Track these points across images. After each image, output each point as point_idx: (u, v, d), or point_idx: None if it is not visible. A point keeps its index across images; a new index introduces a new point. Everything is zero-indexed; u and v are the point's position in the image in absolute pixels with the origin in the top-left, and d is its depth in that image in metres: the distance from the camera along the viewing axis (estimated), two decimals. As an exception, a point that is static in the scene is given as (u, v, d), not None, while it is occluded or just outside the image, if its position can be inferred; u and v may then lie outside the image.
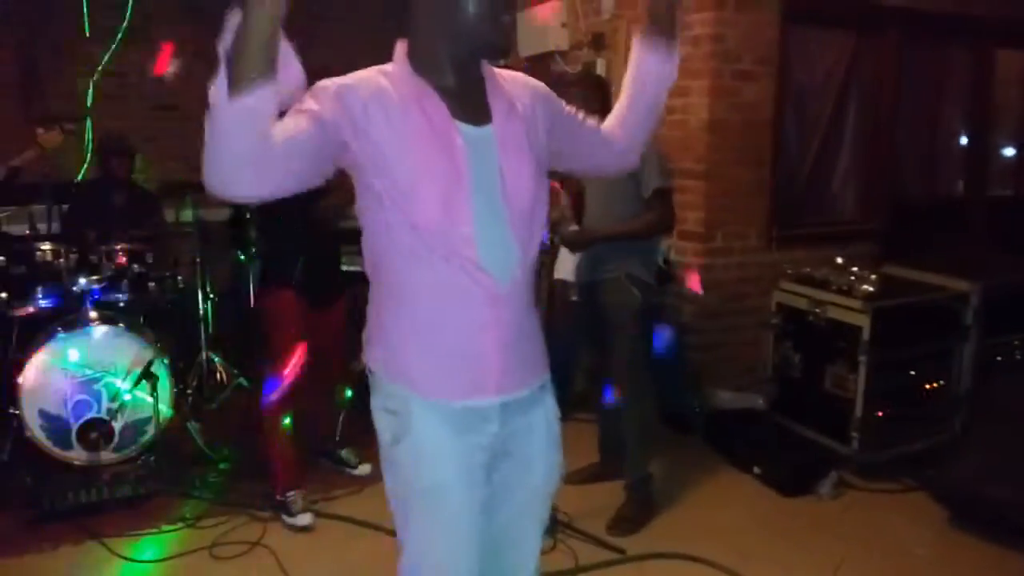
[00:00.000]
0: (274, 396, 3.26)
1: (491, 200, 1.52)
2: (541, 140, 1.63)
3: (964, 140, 5.49)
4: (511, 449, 1.63)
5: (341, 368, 3.62)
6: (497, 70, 1.64)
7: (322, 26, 5.70)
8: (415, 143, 1.46)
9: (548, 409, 1.70)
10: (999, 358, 3.96)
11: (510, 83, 1.64)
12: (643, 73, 1.72)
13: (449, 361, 1.54)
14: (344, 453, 3.75)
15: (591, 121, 1.76)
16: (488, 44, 1.52)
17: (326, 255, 3.43)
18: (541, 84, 1.70)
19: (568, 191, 3.42)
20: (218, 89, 1.22)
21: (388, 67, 1.54)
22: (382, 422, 1.59)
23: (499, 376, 1.56)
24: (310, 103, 1.41)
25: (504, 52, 1.59)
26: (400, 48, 1.56)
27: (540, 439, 1.67)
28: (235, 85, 1.22)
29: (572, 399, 4.10)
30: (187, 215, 4.46)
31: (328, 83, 1.45)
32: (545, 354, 1.71)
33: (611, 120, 1.78)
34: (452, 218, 1.47)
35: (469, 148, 1.49)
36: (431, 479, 1.53)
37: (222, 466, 3.71)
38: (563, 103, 1.73)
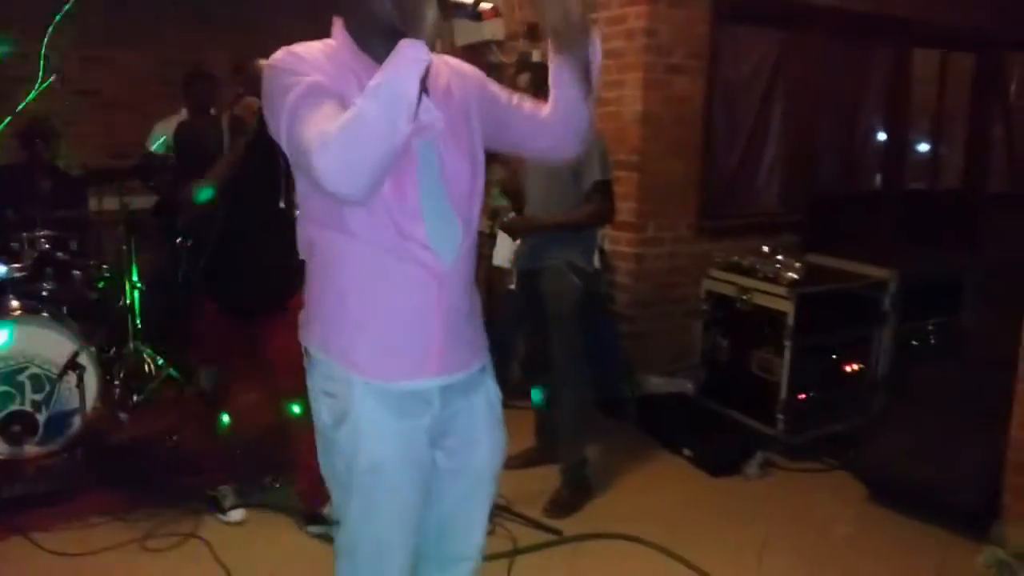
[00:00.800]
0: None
1: (432, 179, 1.53)
2: (475, 126, 1.63)
3: (883, 135, 5.73)
4: (453, 430, 1.64)
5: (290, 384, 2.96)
6: (434, 55, 1.65)
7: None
8: None
9: (489, 390, 1.71)
10: (915, 343, 4.16)
11: (446, 68, 1.65)
12: (563, 82, 1.63)
13: (391, 342, 1.54)
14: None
15: (528, 104, 1.71)
16: (405, 23, 1.44)
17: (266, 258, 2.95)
18: (476, 69, 1.70)
19: (504, 179, 3.47)
20: (410, 109, 1.28)
21: (329, 42, 1.54)
22: (320, 405, 1.59)
23: (441, 357, 1.57)
24: (312, 80, 1.40)
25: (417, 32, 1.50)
26: (338, 24, 1.56)
27: (482, 420, 1.69)
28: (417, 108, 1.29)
29: (509, 386, 4.15)
30: (112, 202, 4.34)
31: (295, 57, 1.45)
32: (485, 337, 1.73)
33: (546, 108, 1.72)
34: (400, 192, 1.47)
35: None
36: (371, 459, 1.54)
37: (151, 458, 3.63)
38: (498, 87, 1.72)
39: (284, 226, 2.46)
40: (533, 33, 4.89)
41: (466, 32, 5.38)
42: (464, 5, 1.43)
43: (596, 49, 1.56)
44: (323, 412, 1.59)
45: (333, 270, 1.55)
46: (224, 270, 3.04)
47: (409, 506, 1.59)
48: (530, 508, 3.26)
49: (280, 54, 1.47)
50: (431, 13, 1.33)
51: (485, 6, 1.38)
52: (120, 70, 5.68)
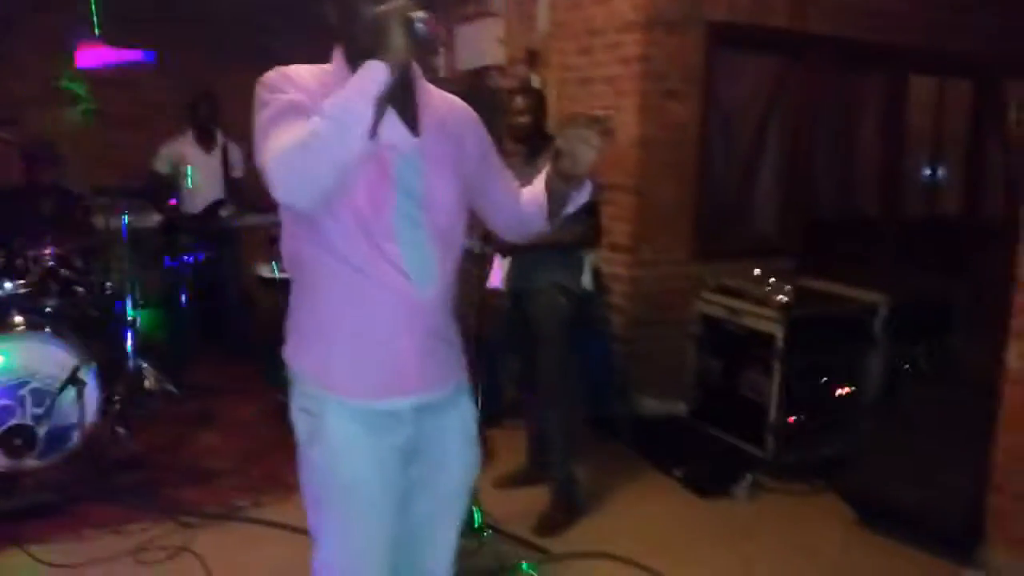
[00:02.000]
0: None
1: (412, 208, 1.57)
2: (468, 165, 1.69)
3: (879, 161, 5.77)
4: (425, 448, 1.68)
5: None
6: (434, 89, 1.71)
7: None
8: None
9: (463, 410, 1.75)
10: (905, 366, 4.19)
11: (443, 103, 1.71)
12: (541, 193, 1.73)
13: (367, 364, 1.59)
14: None
15: (511, 176, 1.82)
16: (378, 53, 1.49)
17: None
18: (475, 115, 1.76)
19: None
20: (361, 127, 1.36)
21: (328, 67, 1.61)
22: (299, 422, 1.64)
23: (416, 379, 1.62)
24: (290, 98, 1.48)
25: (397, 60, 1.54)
26: (337, 50, 1.63)
27: (454, 439, 1.73)
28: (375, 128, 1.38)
29: (501, 405, 4.20)
30: (117, 221, 4.42)
31: (282, 76, 1.53)
32: (462, 358, 1.76)
33: (525, 193, 1.80)
34: (377, 211, 1.52)
35: (395, 156, 1.55)
36: (345, 476, 1.58)
37: (149, 472, 3.68)
38: (495, 152, 1.79)
39: None
40: (533, 59, 4.98)
41: (468, 58, 5.49)
42: (424, 40, 1.45)
43: (584, 192, 1.68)
44: (300, 429, 1.63)
45: (311, 287, 1.60)
46: None
47: (383, 523, 1.63)
48: (519, 527, 3.29)
49: (271, 72, 1.55)
50: (397, 39, 1.40)
51: (420, 26, 1.43)
52: (131, 92, 5.81)
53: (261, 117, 1.48)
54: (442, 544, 1.79)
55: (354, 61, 1.57)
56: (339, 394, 1.59)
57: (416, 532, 1.73)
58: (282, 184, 1.36)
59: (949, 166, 6.24)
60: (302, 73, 1.57)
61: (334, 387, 1.59)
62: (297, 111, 1.46)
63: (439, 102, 1.70)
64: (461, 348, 1.78)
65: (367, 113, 1.36)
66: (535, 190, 1.75)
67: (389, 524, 1.64)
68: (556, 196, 1.68)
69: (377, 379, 1.60)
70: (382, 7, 1.43)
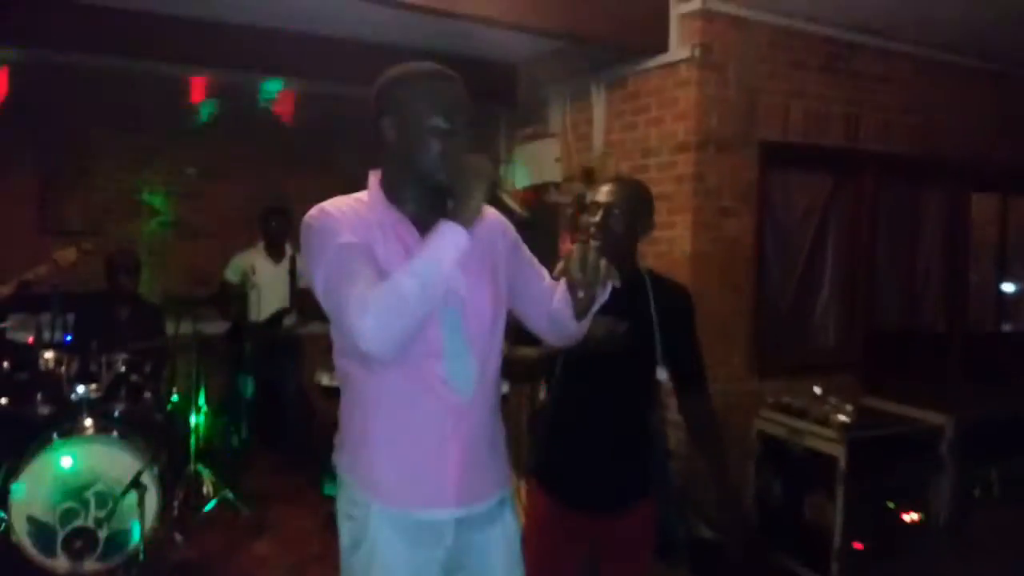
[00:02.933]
0: None
1: (454, 318, 1.64)
2: (500, 268, 1.75)
3: (943, 276, 5.69)
4: (467, 565, 1.68)
5: None
6: None
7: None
8: (392, 265, 1.56)
9: (507, 526, 1.75)
10: (976, 490, 4.01)
11: None
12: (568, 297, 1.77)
13: (410, 470, 1.63)
14: None
15: (544, 273, 1.88)
16: (435, 179, 1.63)
17: None
18: (506, 221, 1.82)
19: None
20: (445, 286, 1.50)
21: (362, 195, 1.69)
22: (343, 527, 1.67)
23: (457, 487, 1.64)
24: (346, 242, 1.55)
25: (453, 191, 1.65)
26: (373, 178, 1.71)
27: (499, 556, 1.72)
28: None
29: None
30: (186, 328, 4.60)
31: (326, 216, 1.60)
32: (507, 468, 1.78)
33: (557, 291, 1.84)
34: (424, 334, 1.58)
35: None
36: None
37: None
38: (524, 248, 1.85)
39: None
40: (588, 176, 5.13)
41: (527, 175, 5.69)
42: (511, 211, 1.60)
43: (605, 293, 1.75)
44: (344, 535, 1.67)
45: (360, 398, 1.66)
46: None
47: None
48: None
49: (315, 212, 1.62)
50: (479, 201, 1.51)
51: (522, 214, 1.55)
52: (207, 204, 6.12)
53: (325, 255, 1.55)
54: None
55: (397, 190, 1.66)
56: (383, 501, 1.62)
57: None
58: (370, 339, 1.45)
59: (1016, 279, 6.11)
60: (343, 210, 1.63)
61: (378, 494, 1.62)
62: (356, 252, 1.54)
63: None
64: (506, 458, 1.79)
65: (450, 274, 1.47)
66: (562, 287, 1.79)
67: None
68: (583, 298, 1.71)
69: (421, 487, 1.63)
70: (471, 160, 1.54)
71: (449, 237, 1.48)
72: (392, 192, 1.67)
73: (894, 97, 4.96)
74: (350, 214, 1.62)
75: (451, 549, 1.66)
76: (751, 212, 4.58)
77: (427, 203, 1.66)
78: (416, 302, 1.45)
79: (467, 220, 1.50)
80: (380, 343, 1.45)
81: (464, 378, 1.64)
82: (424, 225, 1.62)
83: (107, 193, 5.91)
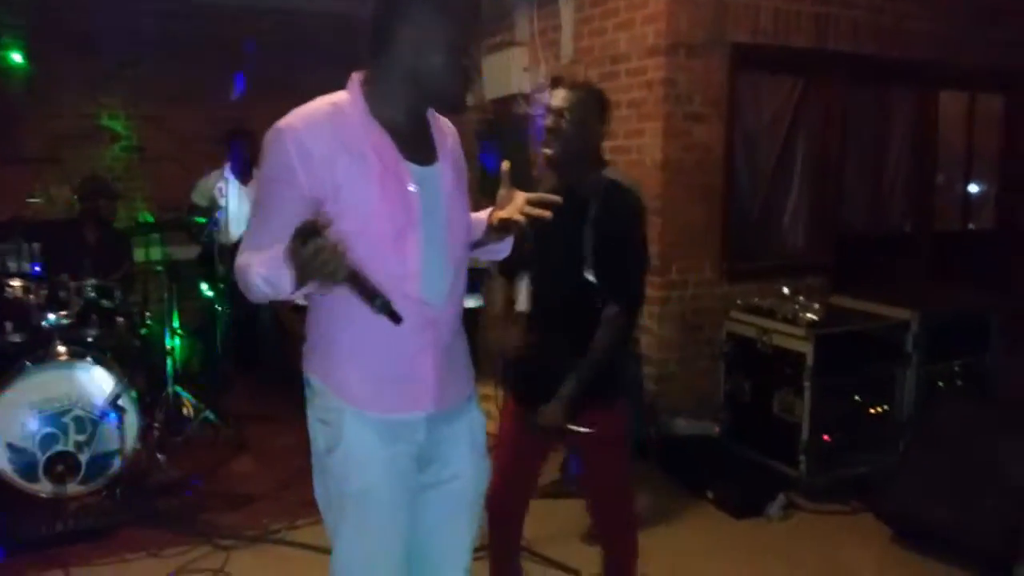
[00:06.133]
0: None
1: (434, 234, 1.65)
2: (464, 176, 1.79)
3: (910, 176, 5.73)
4: (436, 456, 1.75)
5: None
6: (439, 116, 1.78)
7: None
8: (368, 185, 1.56)
9: (473, 419, 1.83)
10: (940, 383, 4.13)
11: (446, 126, 1.80)
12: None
13: (385, 378, 1.66)
14: None
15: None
16: (445, 97, 1.66)
17: None
18: (454, 129, 1.84)
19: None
20: (285, 283, 1.46)
21: (341, 102, 1.61)
22: (316, 432, 1.70)
23: (434, 394, 1.69)
24: (284, 181, 1.56)
25: (456, 108, 1.72)
26: (355, 79, 1.65)
27: (465, 446, 1.80)
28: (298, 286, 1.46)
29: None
30: (156, 253, 4.56)
31: (282, 144, 1.55)
32: (471, 370, 1.84)
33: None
34: (401, 257, 1.60)
35: (419, 188, 1.62)
36: (361, 482, 1.64)
37: (187, 497, 3.76)
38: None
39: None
40: (558, 85, 5.04)
41: (494, 87, 5.58)
42: (372, 295, 1.45)
43: (503, 246, 1.90)
44: (319, 439, 1.69)
45: (332, 307, 1.65)
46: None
47: (398, 526, 1.68)
48: (549, 547, 3.30)
49: (278, 129, 1.57)
50: (325, 284, 1.41)
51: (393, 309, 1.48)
52: (167, 128, 5.98)
53: (260, 191, 1.64)
54: (456, 550, 1.84)
55: (385, 90, 1.62)
56: (359, 407, 1.65)
57: (430, 538, 1.79)
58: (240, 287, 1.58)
59: (982, 180, 6.17)
60: (309, 124, 1.56)
61: (354, 400, 1.65)
62: (277, 204, 1.58)
63: (444, 126, 1.79)
64: (470, 362, 1.85)
65: (289, 291, 1.48)
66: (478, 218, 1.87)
67: (403, 528, 1.69)
68: (483, 241, 1.85)
69: (396, 395, 1.67)
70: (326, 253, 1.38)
71: (285, 283, 1.45)
72: (375, 99, 1.63)
73: (863, -4, 4.90)
74: (313, 133, 1.55)
75: (423, 444, 1.71)
76: (721, 117, 4.54)
77: (413, 114, 1.67)
78: (258, 293, 1.53)
79: (300, 284, 1.45)
80: (245, 293, 1.57)
81: (438, 292, 1.67)
82: (400, 136, 1.62)
83: (64, 120, 5.76)
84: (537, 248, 2.36)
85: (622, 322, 2.37)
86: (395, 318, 1.44)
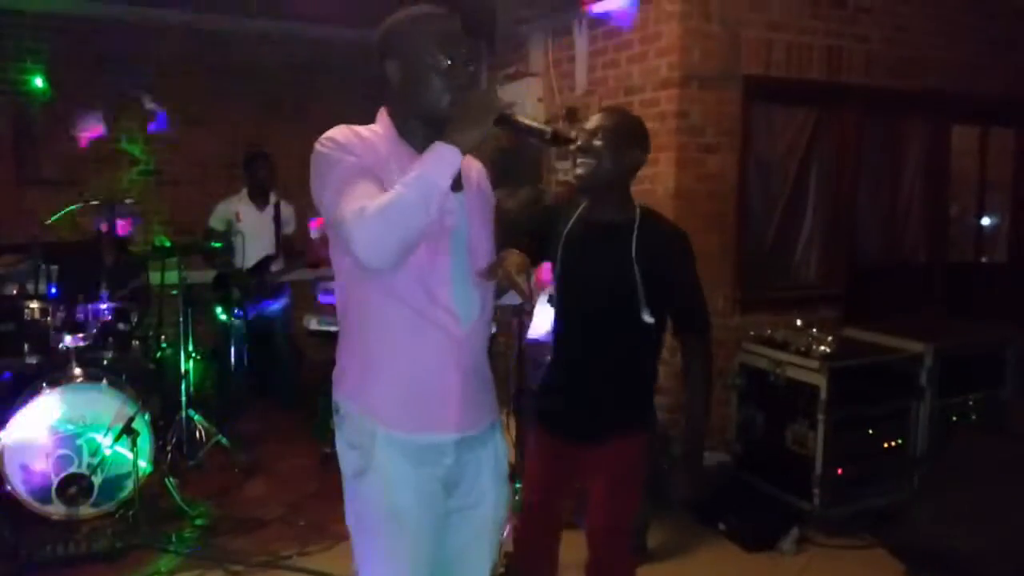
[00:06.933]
0: None
1: (460, 256, 1.72)
2: (489, 208, 1.87)
3: (923, 209, 5.73)
4: (462, 481, 1.79)
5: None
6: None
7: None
8: None
9: (497, 446, 1.87)
10: (955, 417, 4.11)
11: (476, 166, 1.88)
12: None
13: (414, 398, 1.70)
14: None
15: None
16: (443, 122, 1.66)
17: None
18: (487, 183, 1.92)
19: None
20: (438, 201, 1.52)
21: (373, 127, 1.73)
22: (346, 456, 1.74)
23: (459, 414, 1.73)
24: (359, 161, 1.61)
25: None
26: (383, 111, 1.76)
27: (488, 473, 1.83)
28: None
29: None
30: (172, 276, 4.59)
31: (350, 133, 1.66)
32: (495, 397, 1.88)
33: None
34: (432, 260, 1.66)
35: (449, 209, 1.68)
36: (392, 505, 1.68)
37: (198, 522, 3.77)
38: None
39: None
40: (571, 116, 5.10)
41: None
42: (536, 130, 1.64)
43: (512, 297, 1.95)
44: (347, 463, 1.73)
45: (364, 329, 1.72)
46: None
47: (425, 550, 1.72)
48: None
49: (325, 140, 1.66)
50: (480, 133, 1.56)
51: (565, 133, 1.62)
52: (185, 151, 6.06)
53: (332, 175, 1.60)
54: (477, 571, 1.87)
55: (405, 124, 1.72)
56: (389, 428, 1.69)
57: (451, 563, 1.82)
58: (365, 245, 1.49)
59: (995, 213, 6.17)
60: (356, 139, 1.68)
61: (384, 421, 1.69)
62: (367, 174, 1.59)
63: (472, 164, 1.86)
64: (494, 388, 1.89)
65: (445, 187, 1.51)
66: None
67: (430, 551, 1.73)
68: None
69: (425, 414, 1.71)
70: (476, 94, 1.63)
71: (443, 154, 1.53)
72: (401, 126, 1.74)
73: (876, 29, 4.93)
74: (363, 141, 1.68)
75: (451, 467, 1.75)
76: (734, 148, 4.57)
77: (434, 140, 1.69)
78: (412, 212, 1.48)
79: (463, 143, 1.54)
80: (375, 250, 1.49)
81: (467, 305, 1.72)
82: None
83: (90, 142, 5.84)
84: (568, 277, 2.40)
85: (710, 350, 2.43)
86: (568, 140, 1.73)
